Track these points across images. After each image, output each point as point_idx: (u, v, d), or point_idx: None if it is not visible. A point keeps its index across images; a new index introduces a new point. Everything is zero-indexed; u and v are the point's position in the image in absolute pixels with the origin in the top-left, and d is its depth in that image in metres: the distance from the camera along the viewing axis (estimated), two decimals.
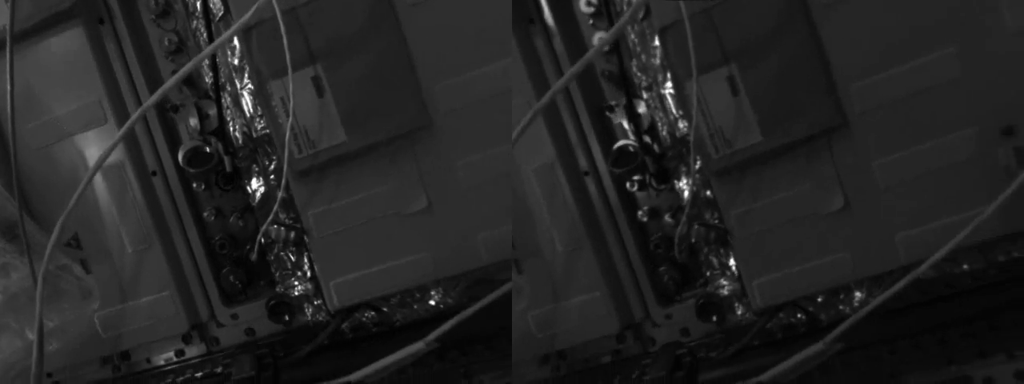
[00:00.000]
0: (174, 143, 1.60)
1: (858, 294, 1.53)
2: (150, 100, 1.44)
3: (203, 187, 1.63)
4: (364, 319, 1.59)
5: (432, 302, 1.53)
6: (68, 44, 1.60)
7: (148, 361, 1.71)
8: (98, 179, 1.57)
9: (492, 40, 1.42)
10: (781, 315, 1.58)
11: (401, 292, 1.55)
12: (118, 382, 1.74)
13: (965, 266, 1.51)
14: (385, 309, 1.57)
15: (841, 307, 1.51)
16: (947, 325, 1.59)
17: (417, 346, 1.48)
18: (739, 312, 1.57)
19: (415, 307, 1.56)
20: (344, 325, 1.58)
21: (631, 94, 1.53)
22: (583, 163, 1.61)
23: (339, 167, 1.50)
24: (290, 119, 1.47)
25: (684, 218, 1.54)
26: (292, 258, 1.60)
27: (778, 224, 1.50)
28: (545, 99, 1.37)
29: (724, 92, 1.45)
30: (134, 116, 1.46)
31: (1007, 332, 1.58)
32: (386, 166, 1.49)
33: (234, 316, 1.66)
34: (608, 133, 1.60)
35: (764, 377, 1.54)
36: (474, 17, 1.43)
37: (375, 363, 1.51)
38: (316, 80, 1.48)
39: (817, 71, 1.43)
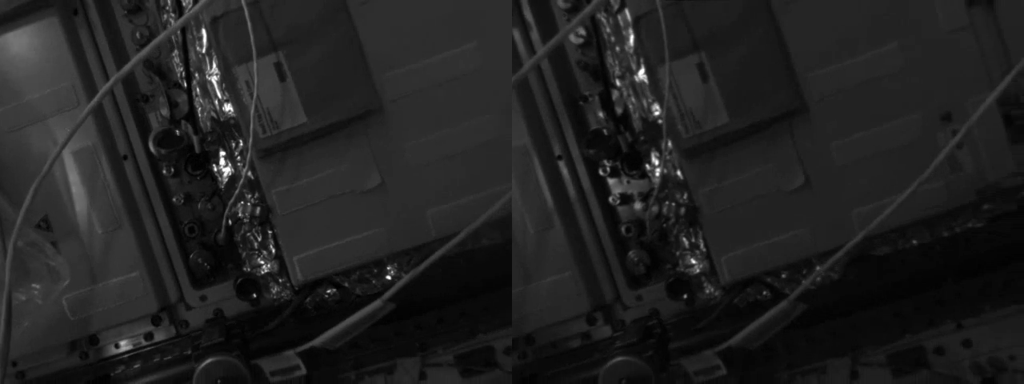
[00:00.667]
0: (145, 131, 1.73)
1: (817, 267, 1.69)
2: (120, 73, 1.61)
3: (173, 172, 1.76)
4: (326, 295, 1.73)
5: (388, 277, 1.68)
6: (43, 32, 1.69)
7: (116, 346, 1.80)
8: (70, 162, 1.69)
9: (435, 34, 1.61)
10: (748, 290, 1.73)
11: (359, 267, 1.68)
12: (86, 370, 1.82)
13: (914, 241, 1.68)
14: (346, 284, 1.71)
15: (804, 282, 1.67)
16: (901, 298, 1.76)
17: (375, 304, 1.64)
18: (707, 291, 1.73)
19: (373, 282, 1.70)
20: (307, 301, 1.72)
21: (607, 83, 1.69)
22: (557, 148, 1.76)
23: (300, 147, 1.65)
24: (254, 100, 1.60)
25: (653, 198, 1.69)
26: (258, 238, 1.72)
27: (744, 201, 1.66)
28: (529, 65, 1.61)
29: (694, 78, 1.61)
30: (103, 90, 1.61)
31: (953, 304, 1.76)
32: (342, 146, 1.64)
33: (203, 297, 1.77)
34: (582, 123, 1.75)
35: (733, 340, 1.68)
36: (417, 14, 1.62)
37: (338, 325, 1.65)
38: (278, 66, 1.62)
39: (778, 60, 1.60)
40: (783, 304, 1.62)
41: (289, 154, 1.66)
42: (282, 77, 1.63)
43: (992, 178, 1.62)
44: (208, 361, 1.62)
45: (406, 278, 1.60)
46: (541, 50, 1.57)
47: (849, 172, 1.62)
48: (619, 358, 1.62)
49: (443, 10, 1.59)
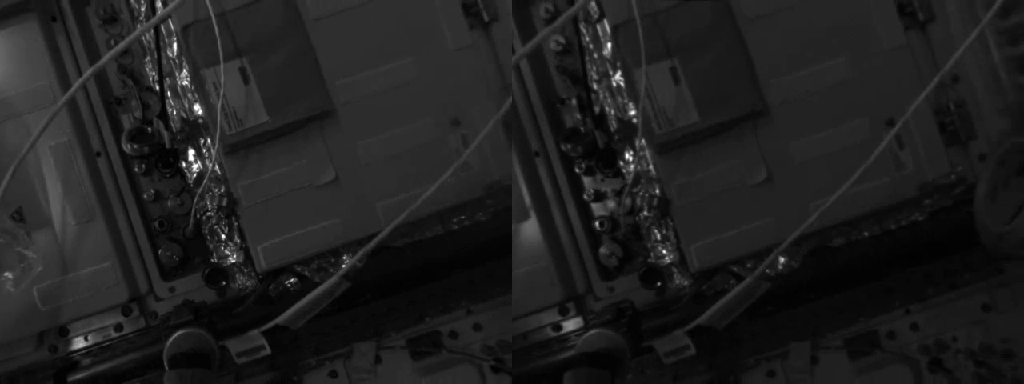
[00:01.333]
0: (118, 131, 1.91)
1: (782, 258, 1.91)
2: (96, 66, 1.82)
3: (144, 170, 1.93)
4: (288, 284, 1.91)
5: (344, 266, 1.86)
6: (22, 34, 1.87)
7: (86, 338, 1.95)
8: (46, 157, 1.87)
9: (377, 49, 1.87)
10: (716, 279, 1.92)
11: (318, 256, 1.88)
12: (53, 365, 1.95)
13: (865, 233, 1.91)
14: (306, 273, 1.90)
15: (767, 271, 1.88)
16: (855, 286, 1.99)
17: (332, 280, 1.83)
18: (678, 281, 1.92)
19: (331, 271, 1.89)
20: (270, 289, 1.91)
21: (586, 84, 1.89)
22: (534, 145, 1.96)
23: (263, 144, 1.85)
24: (221, 100, 1.80)
25: (627, 191, 1.89)
26: (225, 230, 1.90)
27: (712, 194, 1.87)
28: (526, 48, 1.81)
29: (667, 81, 1.83)
30: (78, 83, 1.81)
31: (901, 291, 2.00)
32: (300, 144, 1.86)
33: (172, 289, 1.94)
34: (559, 124, 1.94)
35: (701, 318, 1.87)
36: (362, 32, 1.87)
37: (299, 302, 1.84)
38: (242, 70, 1.82)
39: (743, 68, 1.83)
40: (748, 280, 1.84)
41: (253, 150, 1.86)
42: (246, 80, 1.84)
43: (930, 176, 1.88)
44: (178, 333, 1.79)
45: (359, 254, 1.82)
46: (542, 32, 1.84)
47: (807, 168, 1.85)
48: (596, 331, 1.80)
49: (384, 29, 1.86)
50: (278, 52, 1.83)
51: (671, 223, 1.87)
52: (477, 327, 1.99)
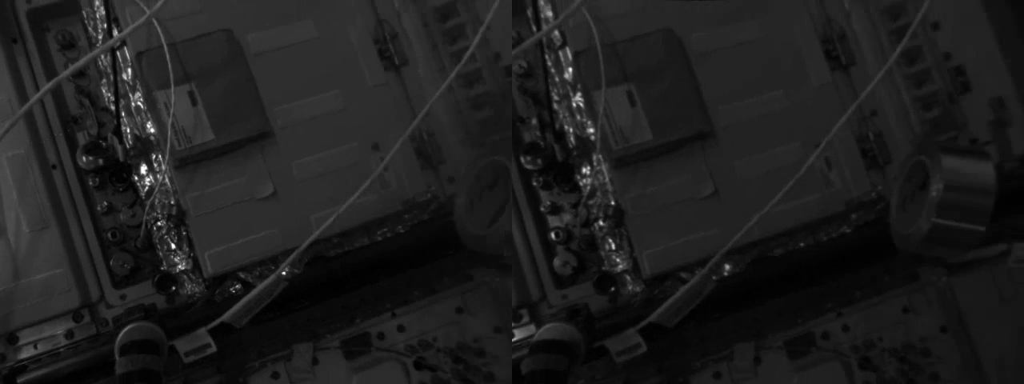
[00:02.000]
0: (74, 147, 2.09)
1: (727, 266, 2.16)
2: (54, 81, 2.00)
3: (98, 184, 2.10)
4: (232, 291, 2.11)
5: (283, 272, 2.08)
6: None
7: (35, 346, 2.06)
8: (3, 167, 2.03)
9: (309, 82, 2.15)
10: (667, 284, 2.15)
11: (259, 263, 2.10)
12: (2, 371, 2.05)
13: (801, 243, 2.19)
14: (249, 280, 2.10)
15: (713, 277, 2.13)
16: (793, 291, 2.24)
17: (271, 278, 2.04)
18: (630, 288, 2.15)
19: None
20: (216, 295, 2.10)
21: (548, 102, 2.12)
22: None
23: (209, 160, 2.08)
24: (171, 118, 2.01)
25: (583, 203, 2.12)
26: (174, 240, 2.09)
27: (663, 205, 2.12)
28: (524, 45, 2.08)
29: (624, 102, 2.08)
30: (36, 97, 1.99)
31: (834, 295, 2.27)
32: (242, 161, 2.12)
33: (123, 296, 2.09)
34: (519, 141, 2.18)
35: (652, 316, 2.08)
36: (295, 67, 2.15)
37: (241, 300, 2.04)
38: (191, 94, 2.05)
39: (692, 94, 2.10)
40: (695, 279, 2.08)
41: (200, 166, 2.08)
42: (194, 103, 2.08)
43: (855, 194, 2.21)
44: (129, 326, 1.95)
45: (293, 254, 2.04)
46: (529, 39, 2.05)
47: (748, 184, 2.13)
48: (551, 324, 2.02)
49: (314, 66, 2.17)
50: (222, 79, 2.09)
51: (625, 233, 2.11)
52: (400, 328, 2.23)
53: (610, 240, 2.12)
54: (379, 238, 2.16)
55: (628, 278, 2.14)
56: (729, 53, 2.14)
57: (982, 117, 2.23)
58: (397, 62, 2.22)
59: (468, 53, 2.06)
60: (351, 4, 2.18)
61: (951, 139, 2.19)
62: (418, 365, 2.20)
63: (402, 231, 2.16)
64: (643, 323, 2.06)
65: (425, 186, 2.18)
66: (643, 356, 2.07)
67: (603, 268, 2.15)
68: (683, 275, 2.12)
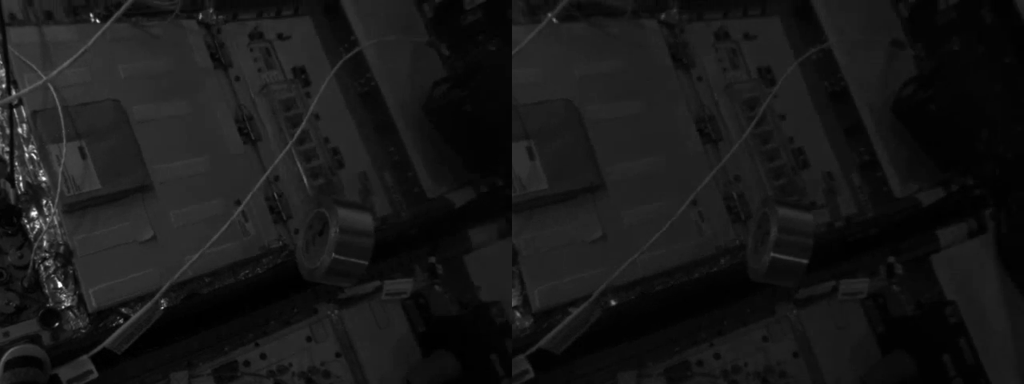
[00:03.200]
0: None
1: (612, 301, 2.60)
2: None
3: None
4: (114, 325, 2.45)
5: (161, 307, 2.46)
6: None
7: None
8: None
9: (181, 147, 2.60)
10: (557, 316, 2.60)
11: (139, 299, 2.43)
12: None
13: (680, 281, 2.69)
14: (130, 315, 2.43)
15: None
16: (673, 324, 2.70)
17: (149, 305, 2.38)
18: (73, 324, 2.42)
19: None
20: (99, 328, 2.40)
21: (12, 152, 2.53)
22: None
23: (96, 207, 2.50)
24: (61, 167, 2.38)
25: (34, 248, 2.42)
26: (61, 279, 2.41)
27: (555, 247, 2.60)
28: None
29: (524, 156, 2.52)
30: None
31: (707, 327, 2.71)
32: (126, 208, 2.54)
33: (6, 333, 2.35)
34: None
35: (541, 342, 2.50)
36: (171, 135, 2.58)
37: (120, 328, 2.38)
38: (81, 149, 2.45)
39: (586, 152, 2.62)
40: (584, 305, 2.52)
41: (87, 211, 2.49)
42: (83, 157, 2.49)
43: (722, 242, 2.86)
44: (14, 347, 2.27)
45: (165, 286, 2.39)
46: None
47: (633, 231, 2.69)
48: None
49: (188, 134, 2.65)
50: (110, 139, 2.54)
51: (72, 271, 2.47)
52: (263, 356, 2.70)
53: (57, 280, 2.44)
54: (242, 278, 2.66)
55: (72, 314, 2.44)
56: (619, 122, 2.69)
57: (818, 186, 2.98)
58: (253, 137, 2.85)
59: (298, 131, 2.68)
60: (218, 92, 2.82)
61: (795, 201, 2.89)
62: None
63: (260, 272, 2.66)
64: (532, 349, 2.41)
65: (277, 235, 2.76)
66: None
67: (49, 304, 2.44)
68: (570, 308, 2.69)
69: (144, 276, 2.53)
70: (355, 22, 2.92)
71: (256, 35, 2.87)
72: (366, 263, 2.54)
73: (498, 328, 2.74)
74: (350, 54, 2.85)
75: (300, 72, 2.87)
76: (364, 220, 2.53)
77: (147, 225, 2.53)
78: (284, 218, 2.70)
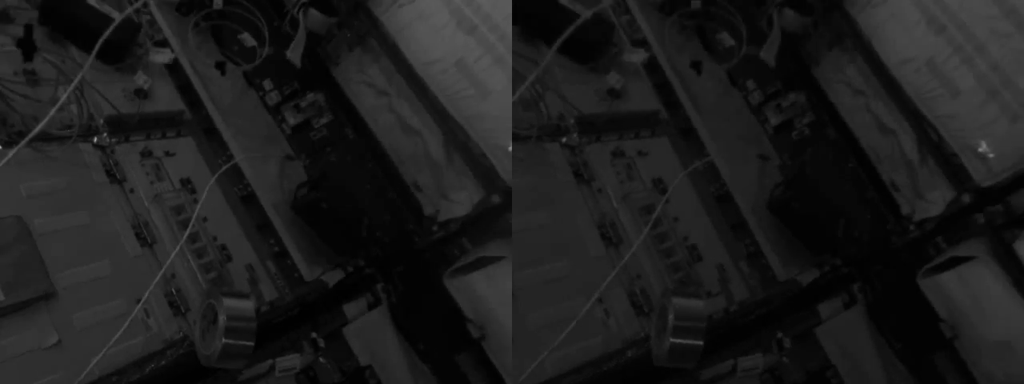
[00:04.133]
0: None
1: None
2: None
3: None
4: None
5: None
6: None
7: None
8: None
9: (80, 256, 2.83)
10: None
11: None
12: None
13: (589, 375, 3.08)
14: None
15: None
16: None
17: None
18: None
19: None
20: None
21: None
22: None
23: (2, 318, 2.70)
24: None
25: None
26: None
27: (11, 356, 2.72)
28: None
29: None
30: None
31: None
32: (31, 317, 2.72)
33: None
34: None
35: None
36: (70, 245, 2.80)
37: None
38: None
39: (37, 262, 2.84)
40: None
41: None
42: None
43: (628, 335, 3.24)
44: None
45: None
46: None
47: (542, 333, 3.06)
48: None
49: (87, 243, 2.87)
50: (13, 253, 2.76)
51: None
52: None
53: None
54: (148, 372, 2.90)
55: None
56: (534, 232, 3.03)
57: (713, 276, 3.42)
58: (149, 241, 3.11)
59: (188, 231, 2.99)
60: (115, 202, 3.06)
61: (693, 291, 3.22)
62: None
63: (165, 363, 2.90)
64: None
65: (178, 328, 3.06)
66: None
67: None
68: None
69: (51, 382, 2.69)
70: (229, 139, 3.35)
71: (146, 153, 3.22)
72: (252, 344, 2.86)
73: None
74: (227, 166, 3.33)
75: (186, 182, 3.26)
76: (247, 306, 2.86)
77: (52, 331, 2.73)
78: (183, 311, 2.99)
